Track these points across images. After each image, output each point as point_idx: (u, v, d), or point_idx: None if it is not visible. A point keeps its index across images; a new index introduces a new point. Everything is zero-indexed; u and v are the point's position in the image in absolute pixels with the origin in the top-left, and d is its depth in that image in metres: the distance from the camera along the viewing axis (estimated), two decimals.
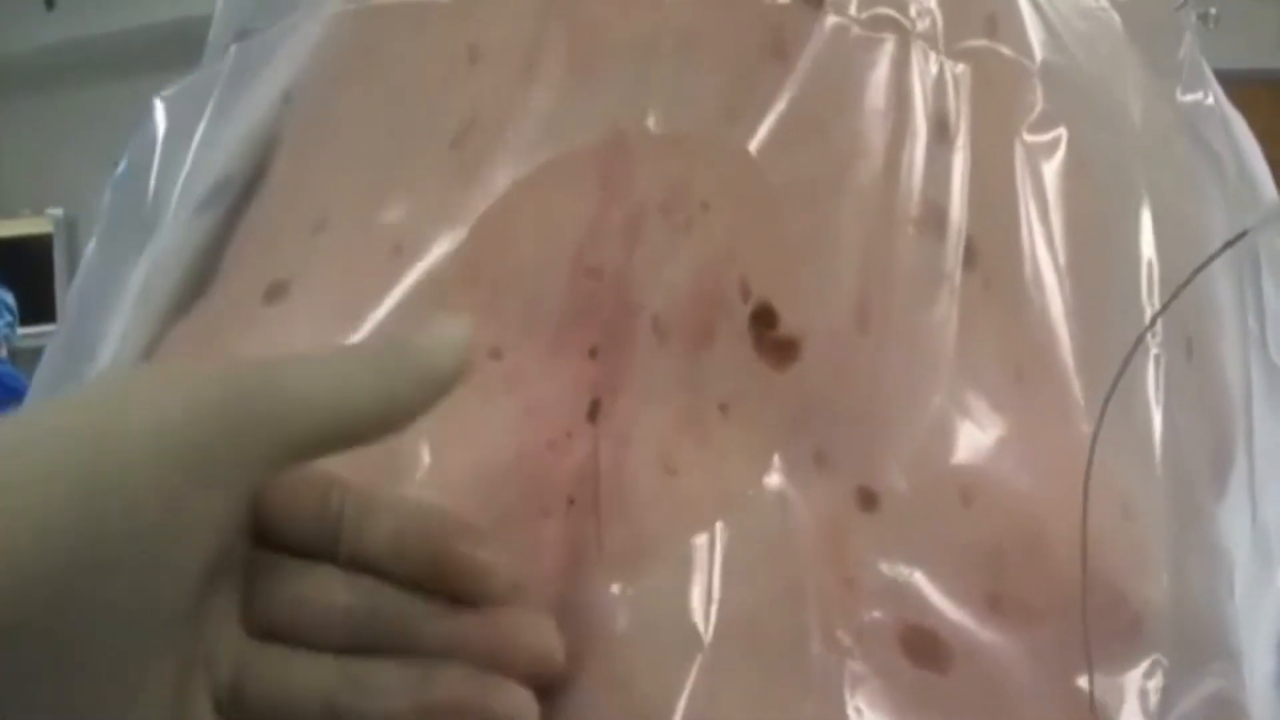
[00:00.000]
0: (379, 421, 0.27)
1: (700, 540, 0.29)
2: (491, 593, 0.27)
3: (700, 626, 0.28)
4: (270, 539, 0.27)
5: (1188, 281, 0.32)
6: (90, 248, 0.42)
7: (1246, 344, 0.38)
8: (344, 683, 0.27)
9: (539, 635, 0.28)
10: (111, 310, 0.39)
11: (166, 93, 0.41)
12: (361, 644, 0.27)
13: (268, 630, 0.27)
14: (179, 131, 0.40)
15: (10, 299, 2.91)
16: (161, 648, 0.24)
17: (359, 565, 0.27)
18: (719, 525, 0.29)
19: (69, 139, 4.52)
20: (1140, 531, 0.31)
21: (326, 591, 0.27)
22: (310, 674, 0.27)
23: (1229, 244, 0.33)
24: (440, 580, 0.27)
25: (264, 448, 0.25)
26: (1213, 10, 2.02)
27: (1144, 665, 0.29)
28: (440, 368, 0.27)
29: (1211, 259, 0.32)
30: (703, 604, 0.28)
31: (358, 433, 0.26)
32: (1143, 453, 0.32)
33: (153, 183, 0.40)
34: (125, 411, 0.24)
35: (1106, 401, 0.30)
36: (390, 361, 0.27)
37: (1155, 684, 0.29)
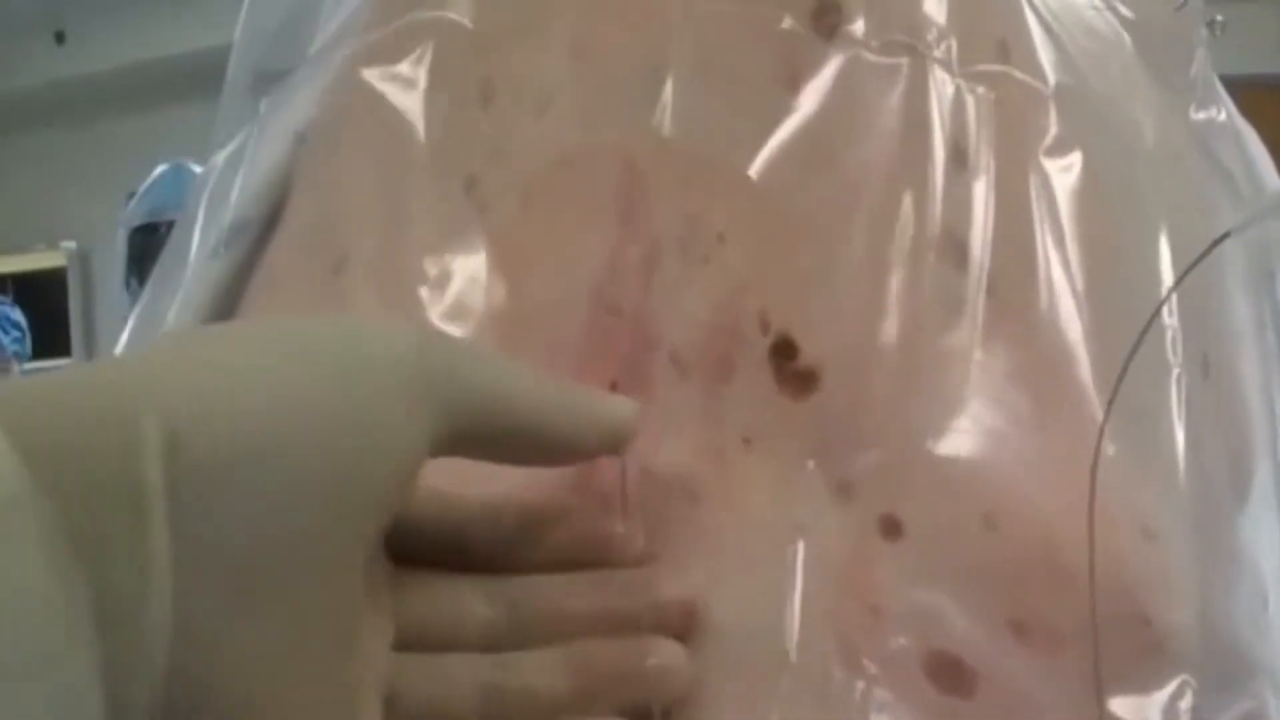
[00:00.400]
0: (549, 441, 0.28)
1: (724, 569, 0.29)
2: (633, 559, 0.29)
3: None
4: (397, 554, 0.28)
5: (1181, 279, 0.32)
6: (135, 310, 0.42)
7: (1266, 359, 0.38)
8: (500, 669, 0.27)
9: (675, 586, 0.29)
10: None
11: (217, 159, 0.42)
12: (506, 644, 0.28)
13: (406, 646, 0.27)
14: (220, 193, 0.40)
15: (18, 315, 2.93)
16: (361, 603, 0.25)
17: (491, 567, 0.28)
18: (746, 554, 0.29)
19: (81, 173, 4.55)
20: (1162, 552, 0.30)
21: (463, 604, 0.28)
22: (463, 668, 0.27)
23: (1220, 239, 0.32)
24: (590, 553, 0.29)
25: (439, 413, 0.26)
26: (1219, 17, 2.02)
27: (1171, 687, 0.29)
28: (619, 419, 0.29)
29: (1209, 250, 0.32)
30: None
31: (521, 444, 0.28)
32: (1165, 473, 0.32)
33: (195, 238, 0.40)
34: (363, 343, 0.25)
35: (1110, 403, 0.30)
36: (575, 394, 0.29)
37: (1185, 704, 0.29)
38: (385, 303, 0.33)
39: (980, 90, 0.34)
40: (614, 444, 0.29)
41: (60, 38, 4.58)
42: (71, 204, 4.60)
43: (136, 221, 2.04)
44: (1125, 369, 0.30)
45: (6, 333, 2.81)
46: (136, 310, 0.42)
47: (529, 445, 0.28)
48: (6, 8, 4.33)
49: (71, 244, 4.78)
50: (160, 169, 2.07)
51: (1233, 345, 0.38)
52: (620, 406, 0.29)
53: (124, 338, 0.42)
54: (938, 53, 0.34)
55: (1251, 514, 0.36)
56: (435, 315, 0.33)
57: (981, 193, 0.33)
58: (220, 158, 0.41)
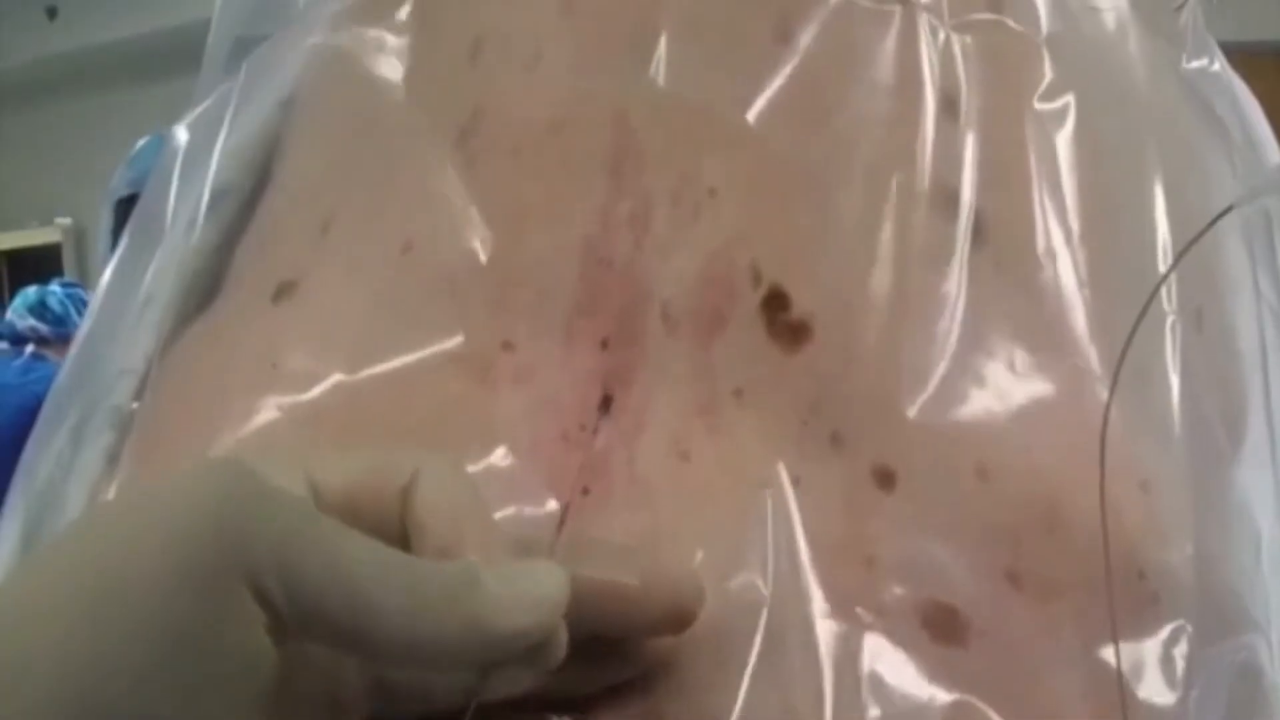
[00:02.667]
0: (394, 641, 0.23)
1: (716, 525, 0.29)
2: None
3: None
4: None
5: (1187, 248, 0.31)
6: (107, 272, 0.42)
7: (1260, 307, 0.38)
8: None
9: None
10: (121, 326, 0.39)
11: (189, 119, 0.41)
12: None
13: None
14: (197, 151, 0.40)
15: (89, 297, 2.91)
16: None
17: None
18: (735, 509, 0.29)
19: (74, 148, 4.54)
20: (1159, 504, 0.30)
21: None
22: None
23: (1220, 215, 0.32)
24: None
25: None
26: None
27: (1167, 636, 0.29)
28: (504, 625, 0.24)
29: (1208, 228, 0.32)
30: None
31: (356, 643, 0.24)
32: (1161, 424, 0.32)
33: (171, 203, 0.39)
34: (129, 542, 0.23)
35: (1118, 370, 0.30)
36: (441, 588, 0.24)
37: (1181, 651, 0.29)
38: (368, 260, 0.33)
39: (970, 39, 0.34)
40: (530, 640, 0.24)
41: (52, 13, 4.56)
42: (66, 180, 4.59)
43: (121, 193, 2.03)
44: (1131, 337, 0.30)
45: (83, 316, 2.80)
46: (110, 268, 0.41)
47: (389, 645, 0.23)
48: None
49: (67, 220, 4.77)
50: (141, 141, 2.06)
51: (1227, 298, 0.37)
52: (541, 594, 0.25)
53: (98, 298, 0.42)
54: (927, 0, 0.34)
55: (1246, 466, 0.36)
56: (423, 271, 0.32)
57: (973, 142, 0.33)
58: (190, 118, 0.41)
